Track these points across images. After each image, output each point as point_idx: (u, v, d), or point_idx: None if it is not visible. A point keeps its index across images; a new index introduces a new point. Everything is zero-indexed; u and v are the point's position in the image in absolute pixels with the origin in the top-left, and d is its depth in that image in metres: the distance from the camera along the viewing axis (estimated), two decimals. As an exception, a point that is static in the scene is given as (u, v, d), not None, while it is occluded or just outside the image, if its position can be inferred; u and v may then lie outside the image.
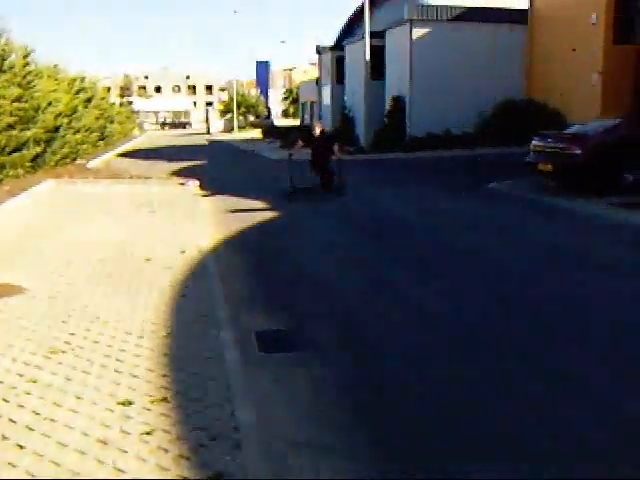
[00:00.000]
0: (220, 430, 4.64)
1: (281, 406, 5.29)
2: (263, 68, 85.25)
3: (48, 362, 5.85)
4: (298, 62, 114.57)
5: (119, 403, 5.05)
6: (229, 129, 73.18)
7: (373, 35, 32.92)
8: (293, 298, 8.34)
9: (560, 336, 6.75)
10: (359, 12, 41.18)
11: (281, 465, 4.39)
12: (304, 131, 19.28)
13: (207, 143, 51.45)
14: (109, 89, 67.44)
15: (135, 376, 5.56)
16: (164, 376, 5.57)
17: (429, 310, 7.81)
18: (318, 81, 49.89)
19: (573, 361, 6.10)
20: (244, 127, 75.37)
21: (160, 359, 5.94)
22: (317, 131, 18.14)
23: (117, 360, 5.90)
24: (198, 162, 30.15)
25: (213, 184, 20.26)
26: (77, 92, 28.97)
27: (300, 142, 18.19)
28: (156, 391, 5.27)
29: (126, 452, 4.34)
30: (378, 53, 34.31)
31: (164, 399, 5.13)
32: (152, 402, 5.07)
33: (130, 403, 5.05)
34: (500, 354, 6.31)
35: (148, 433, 4.60)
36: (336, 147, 18.20)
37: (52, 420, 4.77)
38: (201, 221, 13.81)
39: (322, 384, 5.72)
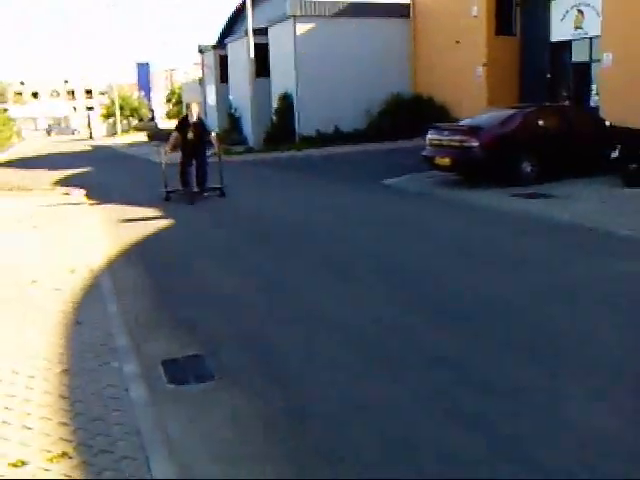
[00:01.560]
0: (134, 490, 4.00)
1: (201, 451, 4.64)
2: (144, 70, 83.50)
3: None
4: (179, 63, 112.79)
5: (11, 464, 4.31)
6: (112, 133, 71.10)
7: (256, 32, 32.30)
8: (200, 317, 7.61)
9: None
10: (240, 9, 40.55)
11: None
12: (178, 122, 17.92)
13: (91, 149, 49.62)
14: (-19, 96, 64.36)
15: (28, 427, 4.81)
16: (63, 425, 4.85)
17: (331, 314, 7.30)
18: (201, 81, 48.93)
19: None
20: (127, 131, 73.51)
21: (57, 403, 5.21)
22: (194, 112, 16.83)
23: (5, 409, 5.13)
24: (83, 169, 28.78)
25: (100, 192, 19.21)
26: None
27: (175, 135, 17.11)
28: (55, 445, 4.55)
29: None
30: (262, 50, 33.78)
31: (65, 454, 4.42)
32: (51, 460, 4.35)
33: (24, 463, 4.32)
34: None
35: (48, 503, 3.90)
36: (214, 134, 17.62)
37: None
38: (91, 234, 12.87)
39: (245, 418, 5.11)
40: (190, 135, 16.77)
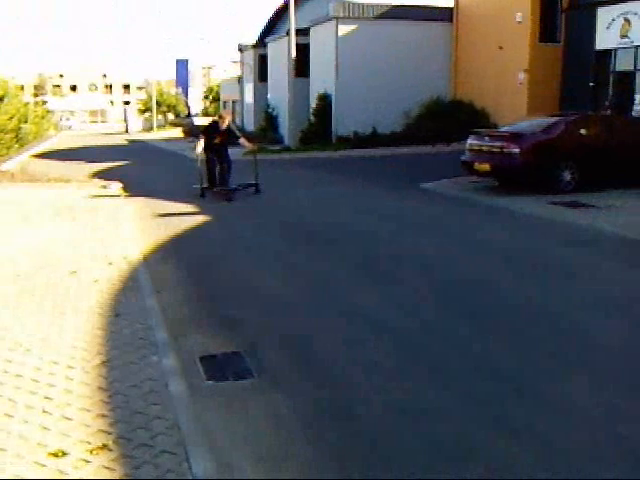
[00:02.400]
0: (175, 485, 3.94)
1: (241, 448, 4.58)
2: (182, 66, 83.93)
3: (-37, 403, 5.04)
4: (217, 60, 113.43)
5: (51, 454, 4.28)
6: (148, 128, 71.59)
7: (297, 33, 32.36)
8: (238, 314, 7.56)
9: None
10: (282, 9, 40.64)
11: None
12: (207, 126, 18.07)
13: (127, 143, 49.95)
14: (22, 88, 65.11)
15: (68, 418, 4.78)
16: (102, 416, 4.81)
17: (376, 317, 7.20)
18: (240, 79, 49.12)
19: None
20: (164, 126, 73.88)
21: (96, 395, 5.18)
22: (225, 123, 17.12)
23: (45, 398, 5.10)
24: (119, 163, 28.99)
25: (137, 186, 19.32)
26: (-12, 91, 27.45)
27: (203, 139, 17.18)
28: (94, 436, 4.51)
29: (64, 524, 3.60)
30: (302, 51, 33.79)
31: (105, 446, 4.38)
32: (91, 451, 4.31)
33: (65, 454, 4.28)
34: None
35: (89, 494, 3.86)
36: (242, 140, 17.72)
37: (-30, 480, 3.99)
38: (127, 227, 12.92)
39: (284, 417, 5.04)
40: (217, 140, 17.02)
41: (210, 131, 17.28)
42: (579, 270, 9.38)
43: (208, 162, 17.17)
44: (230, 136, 17.38)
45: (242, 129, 43.53)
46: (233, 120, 51.14)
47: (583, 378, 5.65)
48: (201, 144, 17.11)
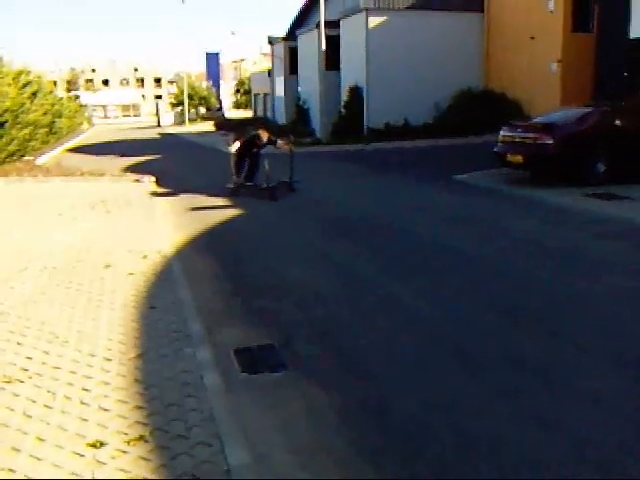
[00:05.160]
0: (211, 476, 3.98)
1: (276, 440, 4.61)
2: (213, 60, 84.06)
3: (2, 394, 5.13)
4: (247, 53, 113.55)
5: (89, 445, 4.35)
6: (180, 122, 71.89)
7: (327, 25, 32.26)
8: (272, 307, 7.60)
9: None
10: (312, 2, 40.56)
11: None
12: (248, 137, 17.85)
13: (159, 137, 50.16)
14: (55, 83, 65.71)
15: (105, 409, 4.86)
16: (139, 408, 4.88)
17: (409, 308, 7.20)
18: (270, 72, 49.12)
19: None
20: (195, 120, 74.19)
21: (132, 387, 5.24)
22: (264, 140, 17.08)
23: (83, 390, 5.19)
24: (152, 157, 29.15)
25: (170, 180, 19.44)
26: (23, 86, 27.68)
27: (236, 145, 17.03)
28: (131, 428, 4.58)
29: (103, 513, 3.66)
30: (332, 43, 33.65)
31: (141, 437, 4.44)
32: (128, 442, 4.38)
33: (102, 444, 4.35)
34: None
35: (127, 484, 3.92)
36: (280, 142, 17.68)
37: (10, 470, 4.06)
38: (161, 221, 13.04)
39: (319, 409, 5.06)
40: (254, 150, 17.13)
41: (248, 143, 17.16)
42: (613, 262, 9.28)
43: (238, 158, 17.13)
44: (268, 144, 17.38)
45: (274, 122, 43.63)
46: (264, 113, 51.44)
47: (611, 369, 5.61)
48: (235, 145, 17.06)
